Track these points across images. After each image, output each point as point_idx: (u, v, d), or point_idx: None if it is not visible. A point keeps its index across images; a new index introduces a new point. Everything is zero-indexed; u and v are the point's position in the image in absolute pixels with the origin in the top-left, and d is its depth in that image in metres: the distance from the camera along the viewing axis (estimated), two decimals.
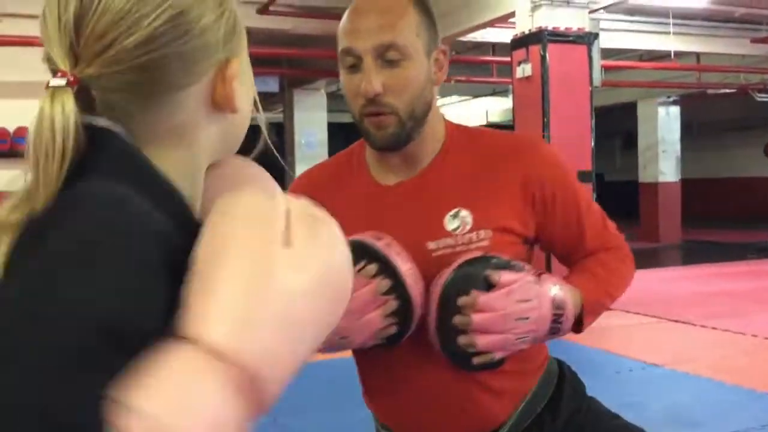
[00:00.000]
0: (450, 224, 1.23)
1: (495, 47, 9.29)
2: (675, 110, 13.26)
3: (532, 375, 1.33)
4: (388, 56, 1.17)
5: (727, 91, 11.76)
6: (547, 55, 6.52)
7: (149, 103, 0.67)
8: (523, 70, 6.73)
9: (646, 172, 13.39)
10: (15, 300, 0.54)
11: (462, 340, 1.13)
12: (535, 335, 1.14)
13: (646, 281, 8.40)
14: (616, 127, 16.71)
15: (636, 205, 13.62)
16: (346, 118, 17.17)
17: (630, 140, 15.22)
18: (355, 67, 1.19)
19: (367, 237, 1.16)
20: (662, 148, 13.14)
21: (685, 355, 5.04)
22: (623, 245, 1.38)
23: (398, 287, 1.14)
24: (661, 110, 13.13)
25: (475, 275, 1.12)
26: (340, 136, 17.36)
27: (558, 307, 1.14)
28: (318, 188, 1.31)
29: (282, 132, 11.58)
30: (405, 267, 1.15)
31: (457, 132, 1.32)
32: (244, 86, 0.74)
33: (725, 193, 16.31)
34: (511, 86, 7.22)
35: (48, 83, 0.62)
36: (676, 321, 6.10)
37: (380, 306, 1.13)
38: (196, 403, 0.52)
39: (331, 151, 11.95)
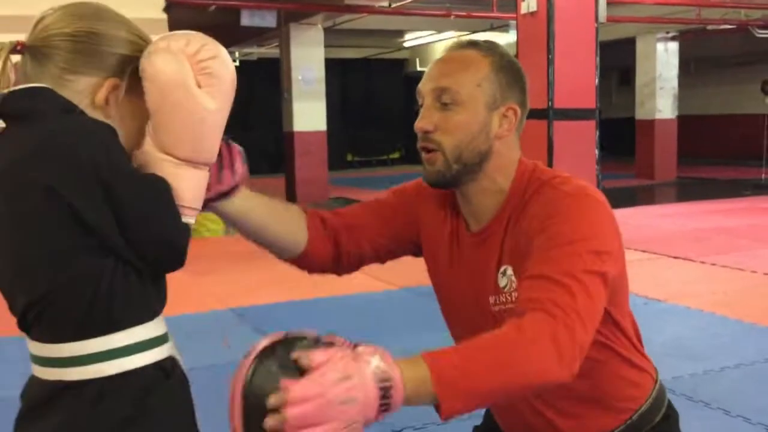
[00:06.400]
0: (501, 281, 1.30)
1: None
2: (673, 46, 13.17)
3: (615, 413, 1.36)
4: (443, 99, 1.28)
5: (727, 27, 11.66)
6: None
7: (50, 72, 1.09)
8: (528, 6, 6.64)
9: (642, 109, 13.37)
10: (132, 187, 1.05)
11: None
12: (366, 418, 0.94)
13: (643, 218, 8.49)
14: (613, 64, 16.59)
15: (632, 142, 13.64)
16: (343, 54, 16.86)
17: (626, 77, 15.12)
18: (422, 106, 1.33)
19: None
20: (659, 85, 13.10)
21: (687, 290, 5.15)
22: (560, 315, 1.08)
23: None
24: (660, 46, 13.04)
25: (281, 365, 0.94)
26: (337, 72, 17.13)
27: (382, 379, 0.94)
28: (425, 198, 1.43)
29: (278, 68, 11.41)
30: None
31: (526, 185, 1.31)
32: (125, 111, 1.11)
33: (721, 130, 16.33)
34: (510, 21, 7.13)
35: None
36: (676, 257, 6.21)
37: None
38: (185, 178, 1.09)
39: (329, 87, 11.77)
